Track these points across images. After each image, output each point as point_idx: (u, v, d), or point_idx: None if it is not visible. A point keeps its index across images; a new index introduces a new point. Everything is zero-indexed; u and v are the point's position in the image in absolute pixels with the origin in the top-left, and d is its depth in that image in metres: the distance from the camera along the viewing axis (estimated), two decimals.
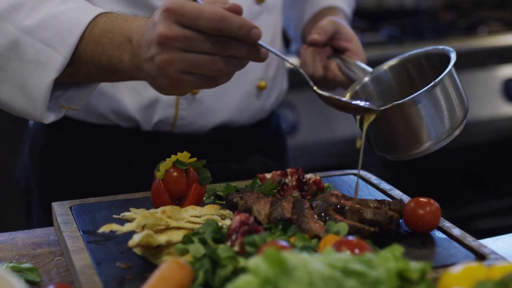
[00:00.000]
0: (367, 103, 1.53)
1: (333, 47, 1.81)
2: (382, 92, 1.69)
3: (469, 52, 3.46)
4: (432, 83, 1.48)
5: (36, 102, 1.48)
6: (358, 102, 1.53)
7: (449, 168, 3.54)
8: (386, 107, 1.49)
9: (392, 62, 1.71)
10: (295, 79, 2.06)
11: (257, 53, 1.35)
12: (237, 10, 1.31)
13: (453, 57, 1.54)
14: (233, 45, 1.31)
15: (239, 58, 1.35)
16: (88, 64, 1.45)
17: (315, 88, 1.52)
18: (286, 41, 2.40)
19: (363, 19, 3.65)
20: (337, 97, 1.53)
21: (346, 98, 1.65)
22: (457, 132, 1.54)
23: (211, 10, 1.28)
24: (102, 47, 1.42)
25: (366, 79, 1.70)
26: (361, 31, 3.48)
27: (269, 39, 1.92)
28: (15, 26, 1.47)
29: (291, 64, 1.51)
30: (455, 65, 1.53)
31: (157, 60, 1.31)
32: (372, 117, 1.51)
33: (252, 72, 1.88)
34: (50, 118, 1.52)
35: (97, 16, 1.46)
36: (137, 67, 1.38)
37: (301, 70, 1.53)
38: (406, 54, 1.69)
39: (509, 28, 3.66)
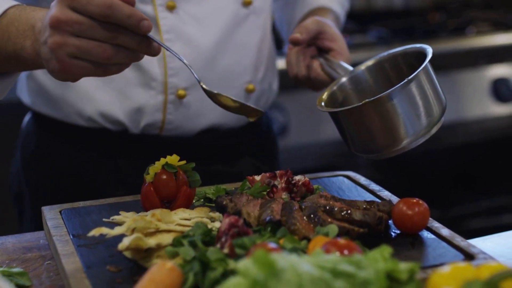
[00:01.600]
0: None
1: (318, 47, 1.81)
2: (360, 91, 1.69)
3: (458, 52, 3.48)
4: (406, 79, 1.49)
5: None
6: (244, 102, 1.56)
7: (440, 168, 3.55)
8: (359, 104, 1.50)
9: (370, 62, 1.72)
10: (286, 81, 2.06)
11: (148, 46, 1.37)
12: (128, 0, 1.33)
13: (429, 54, 1.55)
14: (123, 34, 1.34)
15: (131, 50, 1.36)
16: None
17: (201, 84, 1.53)
18: (279, 42, 2.40)
19: (351, 20, 3.65)
20: (224, 95, 1.54)
21: (324, 97, 1.66)
22: (434, 130, 1.54)
23: None
24: (9, 35, 1.45)
25: (344, 79, 1.71)
26: (349, 33, 3.48)
27: (258, 41, 1.92)
28: None
29: (184, 63, 1.49)
30: (435, 64, 1.55)
31: (49, 42, 1.33)
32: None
33: (240, 75, 1.89)
34: None
35: (8, 8, 1.49)
36: (37, 53, 1.40)
37: (188, 65, 1.51)
38: (384, 54, 1.70)
39: (498, 28, 3.67)
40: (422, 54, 1.56)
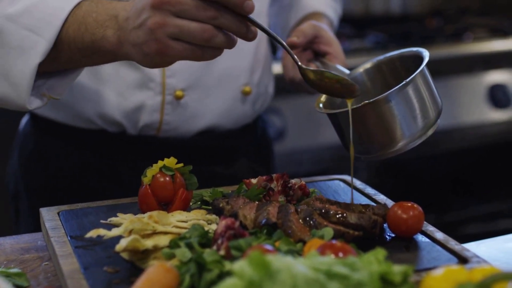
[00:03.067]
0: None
1: (314, 50, 1.83)
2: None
3: (455, 58, 3.49)
4: (404, 82, 1.51)
5: (19, 88, 1.50)
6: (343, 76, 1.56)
7: (436, 173, 3.56)
8: (358, 105, 1.51)
9: (367, 65, 1.73)
10: (282, 85, 2.08)
11: (247, 29, 1.38)
12: None
13: (426, 57, 1.56)
14: (225, 15, 1.34)
15: (229, 34, 1.37)
16: (70, 45, 1.48)
17: (299, 63, 1.53)
18: (274, 47, 2.42)
19: (349, 25, 3.67)
20: (326, 70, 1.54)
21: (323, 99, 1.67)
22: (430, 132, 1.55)
23: None
24: (86, 26, 1.45)
25: None
26: (347, 38, 3.50)
27: (254, 44, 1.93)
28: None
29: (283, 45, 1.50)
30: (432, 69, 1.56)
31: (149, 23, 1.34)
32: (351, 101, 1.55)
33: (236, 77, 1.90)
34: (34, 104, 1.55)
35: (80, 1, 1.49)
36: (121, 41, 1.40)
37: (287, 48, 1.51)
38: (381, 57, 1.72)
39: (494, 34, 3.68)
40: (419, 58, 1.58)
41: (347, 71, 1.74)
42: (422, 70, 1.54)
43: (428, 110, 1.55)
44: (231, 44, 1.39)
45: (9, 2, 1.51)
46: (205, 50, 1.38)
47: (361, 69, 1.73)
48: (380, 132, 1.53)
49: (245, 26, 1.37)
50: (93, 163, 1.90)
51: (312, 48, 1.82)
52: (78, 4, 1.49)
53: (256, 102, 1.98)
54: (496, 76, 3.53)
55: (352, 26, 3.70)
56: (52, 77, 1.57)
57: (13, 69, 1.50)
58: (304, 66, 1.53)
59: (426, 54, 1.58)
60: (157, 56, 1.37)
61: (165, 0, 1.33)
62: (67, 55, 1.50)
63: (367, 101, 1.51)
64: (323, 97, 1.68)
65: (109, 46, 1.43)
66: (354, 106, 1.53)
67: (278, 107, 3.06)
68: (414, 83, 1.53)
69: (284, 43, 1.50)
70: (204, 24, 1.34)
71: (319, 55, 1.82)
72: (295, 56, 1.53)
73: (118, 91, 1.83)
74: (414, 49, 1.65)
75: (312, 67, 1.79)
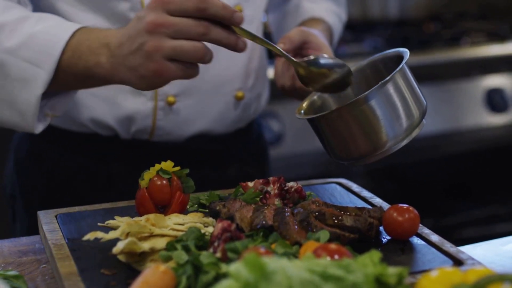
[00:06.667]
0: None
1: (303, 56, 1.81)
2: (341, 99, 1.67)
3: (452, 62, 3.50)
4: (383, 81, 1.48)
5: (25, 116, 1.58)
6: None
7: (434, 177, 3.57)
8: (335, 108, 1.50)
9: (351, 69, 1.71)
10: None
11: (236, 41, 1.43)
12: None
13: (406, 56, 1.53)
14: (214, 29, 1.40)
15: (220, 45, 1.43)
16: (65, 72, 1.54)
17: (293, 60, 1.55)
18: (270, 51, 2.41)
19: (347, 30, 3.67)
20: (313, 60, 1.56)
21: (305, 104, 1.66)
22: (415, 133, 1.51)
23: None
24: (79, 54, 1.51)
25: None
26: (345, 42, 3.50)
27: (249, 50, 1.93)
28: None
29: (277, 49, 1.53)
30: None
31: (146, 47, 1.39)
32: None
33: (229, 82, 1.90)
34: (40, 127, 1.62)
35: (76, 30, 1.55)
36: (115, 67, 1.45)
37: (282, 51, 1.54)
38: (365, 61, 1.69)
39: (492, 39, 3.70)
40: (401, 58, 1.56)
41: None
42: (402, 69, 1.50)
43: (412, 109, 1.51)
44: (210, 57, 1.44)
45: (7, 35, 1.56)
46: (196, 68, 1.44)
47: None
48: (362, 135, 1.50)
49: (235, 38, 1.42)
50: (87, 166, 1.91)
51: (302, 54, 1.79)
52: (72, 33, 1.54)
53: (250, 107, 1.98)
54: (494, 81, 3.55)
55: (350, 31, 3.71)
56: (53, 97, 1.63)
57: (19, 99, 1.57)
58: (296, 61, 1.55)
59: (406, 53, 1.55)
60: (154, 77, 1.42)
61: (159, 24, 1.38)
62: (63, 80, 1.56)
63: (346, 103, 1.48)
64: (305, 104, 1.65)
65: (103, 72, 1.48)
66: (333, 110, 1.51)
67: (277, 112, 3.07)
68: (394, 82, 1.49)
69: (278, 47, 1.53)
70: (196, 42, 1.39)
71: None
72: (289, 55, 1.56)
73: (110, 96, 1.84)
74: (395, 49, 1.62)
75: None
